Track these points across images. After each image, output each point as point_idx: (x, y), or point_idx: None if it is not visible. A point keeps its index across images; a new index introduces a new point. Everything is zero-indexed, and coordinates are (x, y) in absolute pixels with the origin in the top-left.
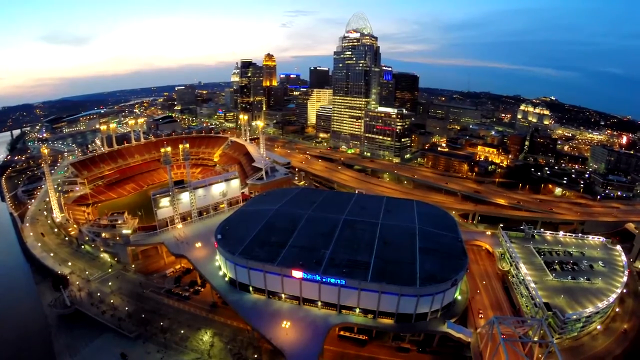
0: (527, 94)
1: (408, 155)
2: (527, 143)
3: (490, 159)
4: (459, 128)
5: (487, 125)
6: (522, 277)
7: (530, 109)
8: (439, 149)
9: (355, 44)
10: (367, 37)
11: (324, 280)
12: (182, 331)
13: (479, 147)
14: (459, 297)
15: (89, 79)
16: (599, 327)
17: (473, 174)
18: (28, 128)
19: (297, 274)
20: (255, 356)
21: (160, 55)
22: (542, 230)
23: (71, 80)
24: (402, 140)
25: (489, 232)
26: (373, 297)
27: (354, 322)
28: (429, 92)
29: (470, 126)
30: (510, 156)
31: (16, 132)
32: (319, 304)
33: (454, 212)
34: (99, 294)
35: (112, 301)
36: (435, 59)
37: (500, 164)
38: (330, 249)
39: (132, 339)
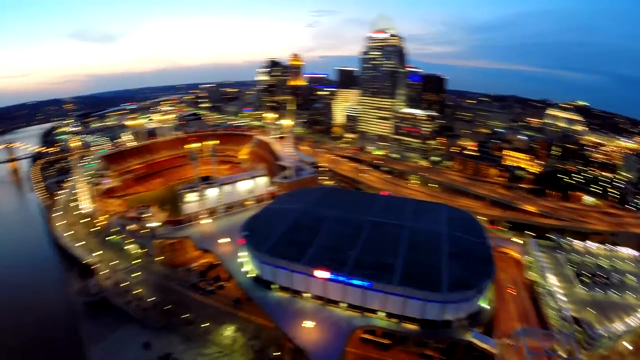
0: (555, 98)
1: (435, 158)
2: (556, 149)
3: (518, 164)
4: (486, 131)
5: (515, 129)
6: (550, 288)
7: (559, 113)
8: (466, 152)
9: (381, 44)
10: (394, 38)
11: (349, 281)
12: (206, 324)
13: (507, 152)
14: (485, 306)
15: (117, 76)
16: (629, 347)
17: (501, 179)
18: (58, 122)
19: (323, 273)
20: (277, 354)
21: (187, 54)
22: (571, 239)
23: (99, 77)
24: (430, 142)
25: (517, 240)
26: (398, 301)
27: (377, 325)
28: (456, 94)
29: (498, 130)
30: (539, 162)
31: (47, 125)
32: (343, 305)
33: (481, 218)
34: (124, 284)
35: (137, 291)
36: (462, 61)
37: (529, 170)
38: (356, 250)
39: (156, 329)
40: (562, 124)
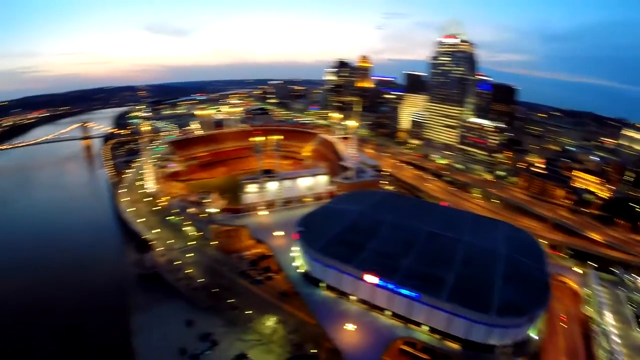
0: (633, 118)
1: (500, 172)
2: (630, 174)
3: (587, 187)
4: (556, 148)
5: (587, 149)
6: (605, 327)
7: (636, 134)
8: (533, 169)
9: (451, 49)
10: (464, 43)
11: (397, 289)
12: (250, 312)
13: (576, 172)
14: (534, 336)
15: (189, 68)
16: None
17: (567, 201)
18: (131, 107)
19: (372, 278)
20: (314, 351)
21: (257, 50)
22: (636, 276)
23: (172, 67)
24: (496, 155)
25: (577, 269)
26: (444, 317)
27: (419, 338)
28: (526, 106)
29: (569, 148)
30: (610, 186)
31: (121, 109)
32: (388, 313)
33: (542, 241)
34: (177, 263)
35: (188, 271)
36: (535, 71)
37: (598, 194)
38: (409, 259)
39: (201, 309)
40: (638, 147)
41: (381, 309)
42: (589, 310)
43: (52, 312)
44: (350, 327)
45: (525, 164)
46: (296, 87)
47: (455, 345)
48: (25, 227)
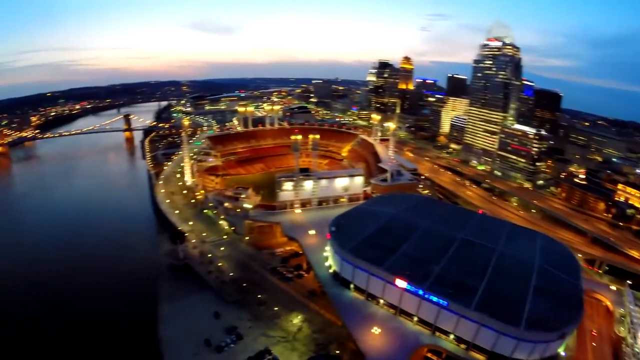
0: None
1: (541, 182)
2: None
3: (630, 201)
4: (599, 159)
5: (632, 161)
6: (638, 350)
7: None
8: (575, 179)
9: (496, 53)
10: (509, 47)
11: (426, 296)
12: (277, 309)
13: (620, 185)
14: (562, 352)
15: (232, 65)
16: None
17: (608, 215)
18: (174, 101)
19: (401, 283)
20: (337, 352)
21: (300, 49)
22: None
23: (215, 64)
24: (537, 164)
25: (613, 287)
26: (471, 327)
27: (444, 347)
28: (571, 114)
29: (613, 159)
30: None
31: (163, 103)
32: (415, 319)
33: (579, 255)
34: (209, 256)
35: (220, 265)
36: (581, 77)
37: None
38: (440, 265)
39: (229, 302)
40: None
41: (408, 315)
42: (622, 331)
43: (86, 296)
44: (376, 330)
45: (568, 174)
46: (338, 87)
47: (481, 357)
48: (66, 212)
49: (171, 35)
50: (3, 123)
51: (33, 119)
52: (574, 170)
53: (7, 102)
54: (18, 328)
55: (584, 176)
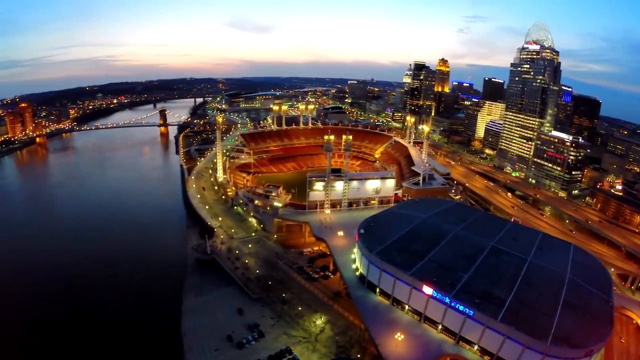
0: None
1: (576, 191)
2: None
3: None
4: (638, 170)
5: None
6: None
7: None
8: (612, 190)
9: (534, 57)
10: (548, 51)
11: (452, 304)
12: (300, 308)
13: None
14: None
15: (268, 63)
16: None
17: None
18: (209, 98)
19: (427, 289)
20: (358, 356)
21: (336, 49)
22: None
23: (251, 62)
24: (573, 172)
25: None
26: (496, 339)
27: (467, 357)
28: (609, 121)
29: None
30: None
31: (199, 100)
32: (440, 327)
33: (612, 270)
34: (237, 252)
35: (246, 261)
36: (621, 84)
37: None
38: (468, 273)
39: (253, 299)
40: None
41: (433, 322)
42: None
43: (113, 285)
44: (399, 336)
45: (606, 185)
46: (373, 88)
47: None
48: (99, 202)
49: (208, 33)
50: (42, 115)
51: (71, 111)
52: (610, 180)
53: (47, 94)
54: (52, 308)
55: (620, 187)
